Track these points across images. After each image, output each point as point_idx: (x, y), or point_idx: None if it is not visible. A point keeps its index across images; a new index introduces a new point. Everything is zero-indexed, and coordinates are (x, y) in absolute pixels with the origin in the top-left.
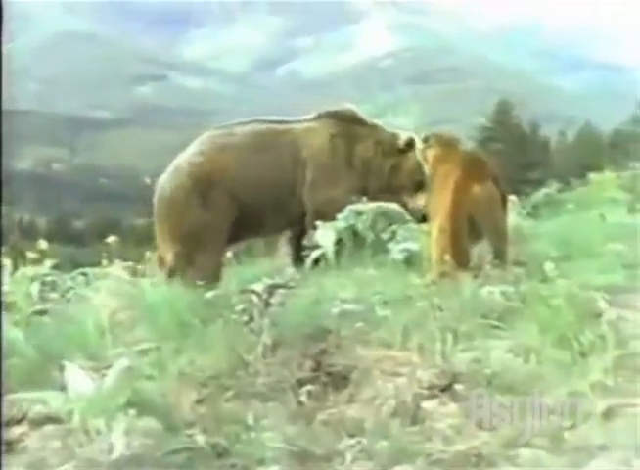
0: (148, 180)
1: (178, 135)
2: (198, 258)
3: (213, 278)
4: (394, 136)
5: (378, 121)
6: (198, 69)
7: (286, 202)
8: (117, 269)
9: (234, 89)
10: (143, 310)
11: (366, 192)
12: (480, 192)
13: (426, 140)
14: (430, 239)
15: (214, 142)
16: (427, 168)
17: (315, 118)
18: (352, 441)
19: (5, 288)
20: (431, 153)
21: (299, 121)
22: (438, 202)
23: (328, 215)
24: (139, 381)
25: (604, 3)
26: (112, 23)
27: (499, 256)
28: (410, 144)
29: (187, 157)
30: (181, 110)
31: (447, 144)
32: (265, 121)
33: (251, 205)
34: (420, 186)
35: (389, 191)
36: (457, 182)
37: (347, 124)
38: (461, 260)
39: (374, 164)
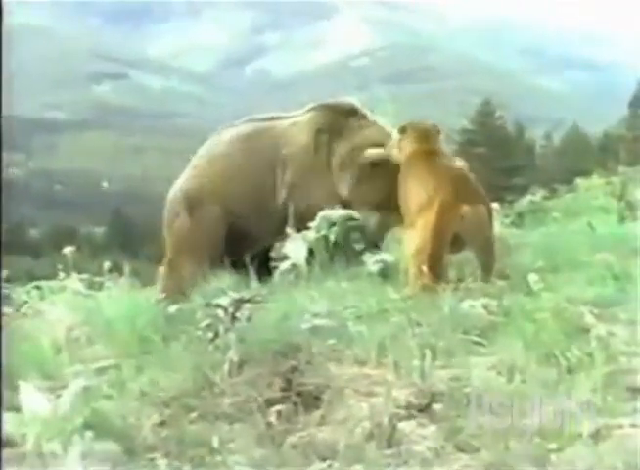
0: (105, 185)
1: (138, 138)
2: (178, 270)
3: (179, 291)
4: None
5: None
6: (160, 67)
7: (270, 208)
8: (74, 282)
9: (199, 89)
10: (101, 326)
11: (351, 199)
12: (469, 212)
13: (403, 131)
14: (403, 248)
15: (204, 154)
16: (400, 160)
17: (307, 112)
18: (324, 465)
19: None
20: (408, 147)
21: (289, 116)
22: (418, 215)
23: (308, 223)
24: (97, 401)
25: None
26: (68, 18)
27: (486, 270)
28: None
29: (186, 169)
30: (142, 111)
31: (426, 137)
32: (257, 120)
33: (242, 216)
34: None
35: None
36: (443, 204)
37: (341, 118)
38: (440, 274)
39: (360, 167)
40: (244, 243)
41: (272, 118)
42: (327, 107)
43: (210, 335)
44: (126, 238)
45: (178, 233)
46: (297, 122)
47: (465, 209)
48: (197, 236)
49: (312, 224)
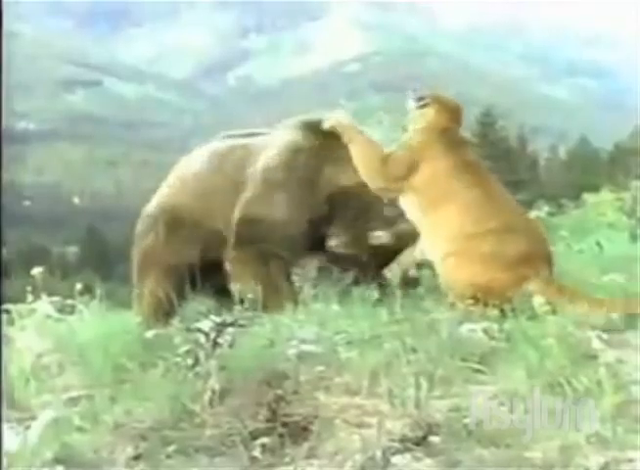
0: (77, 200)
1: (112, 150)
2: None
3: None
4: None
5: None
6: (135, 73)
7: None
8: (44, 305)
9: (177, 97)
10: (73, 353)
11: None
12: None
13: (421, 99)
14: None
15: (179, 171)
16: (418, 134)
17: (286, 128)
18: None
19: None
20: (432, 116)
21: (266, 133)
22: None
23: (244, 238)
24: (68, 434)
25: (601, 2)
26: (38, 20)
27: None
28: None
29: (162, 186)
30: (116, 120)
31: (454, 111)
32: (235, 136)
33: (211, 237)
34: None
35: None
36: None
37: (321, 139)
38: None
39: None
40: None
41: (249, 135)
42: (311, 125)
43: (190, 362)
44: (99, 257)
45: (146, 251)
46: (272, 140)
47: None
48: (166, 255)
49: None
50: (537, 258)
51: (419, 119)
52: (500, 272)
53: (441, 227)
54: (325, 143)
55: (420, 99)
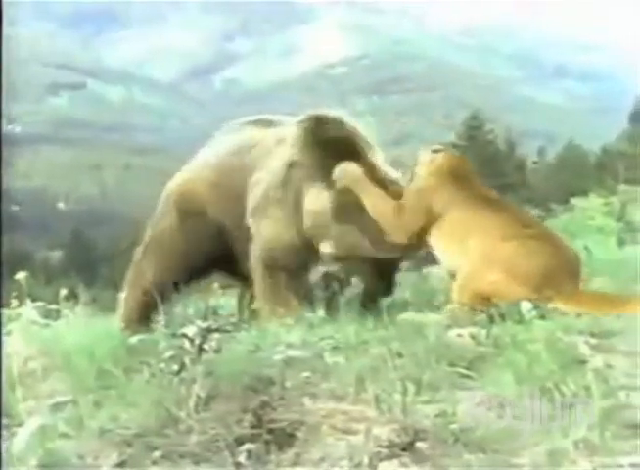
0: (61, 205)
1: (97, 154)
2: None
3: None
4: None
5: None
6: (121, 76)
7: (240, 235)
8: (29, 310)
9: (162, 101)
10: (58, 358)
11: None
12: None
13: (437, 151)
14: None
15: (201, 156)
16: (428, 178)
17: (298, 125)
18: None
19: None
20: (441, 160)
21: (285, 126)
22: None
23: (268, 262)
24: (53, 440)
25: (590, 4)
26: (21, 22)
27: None
28: None
29: (186, 166)
30: (101, 124)
31: (461, 157)
32: (259, 124)
33: (223, 236)
34: None
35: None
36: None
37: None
38: None
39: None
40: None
41: (270, 124)
42: (318, 131)
43: (175, 367)
44: (84, 262)
45: (159, 233)
46: (281, 140)
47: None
48: (180, 242)
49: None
50: (561, 275)
51: (428, 165)
52: (523, 288)
53: (469, 256)
54: (324, 159)
55: (436, 151)
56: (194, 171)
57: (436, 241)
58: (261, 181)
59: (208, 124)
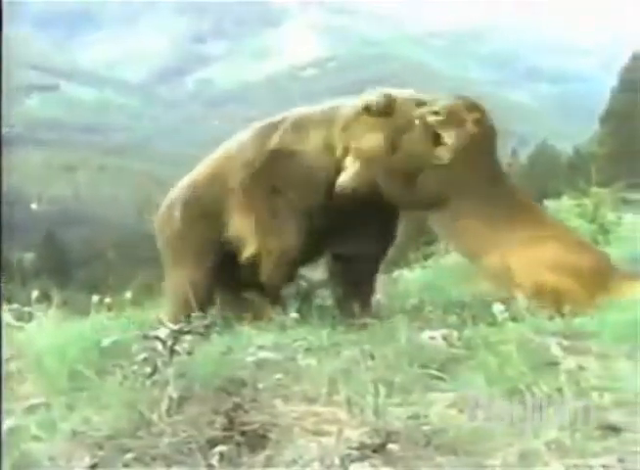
0: (35, 206)
1: (70, 155)
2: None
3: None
4: None
5: None
6: (94, 78)
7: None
8: (3, 312)
9: (135, 101)
10: (31, 361)
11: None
12: None
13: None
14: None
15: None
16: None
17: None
18: None
19: None
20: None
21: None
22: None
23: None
24: (26, 442)
25: (561, 7)
26: None
27: None
28: None
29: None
30: (74, 125)
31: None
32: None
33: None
34: None
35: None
36: None
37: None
38: None
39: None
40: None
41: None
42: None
43: (148, 370)
44: (57, 264)
45: (171, 236)
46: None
47: None
48: (187, 240)
49: None
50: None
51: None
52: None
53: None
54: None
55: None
56: (210, 164)
57: (457, 226)
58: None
59: (181, 125)
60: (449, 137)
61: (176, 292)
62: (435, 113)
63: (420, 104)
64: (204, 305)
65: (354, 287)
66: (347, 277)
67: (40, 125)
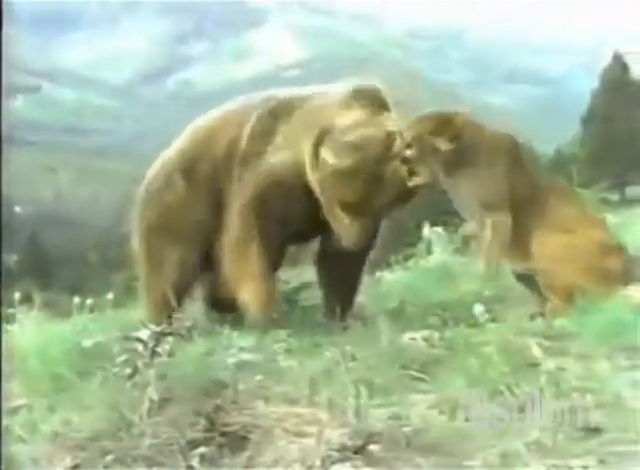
0: (18, 209)
1: (52, 156)
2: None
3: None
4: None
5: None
6: (76, 79)
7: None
8: None
9: (117, 103)
10: (13, 362)
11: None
12: None
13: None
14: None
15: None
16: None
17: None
18: None
19: None
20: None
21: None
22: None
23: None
24: (8, 444)
25: (540, 8)
26: None
27: None
28: None
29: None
30: (56, 126)
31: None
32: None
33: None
34: None
35: None
36: None
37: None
38: None
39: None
40: None
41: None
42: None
43: (129, 371)
44: (39, 266)
45: (169, 207)
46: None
47: None
48: (193, 210)
49: None
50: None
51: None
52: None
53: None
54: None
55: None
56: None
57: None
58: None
59: (162, 126)
60: (422, 166)
61: (155, 292)
62: (408, 146)
63: (390, 134)
64: (182, 303)
65: (338, 288)
66: (331, 278)
67: (22, 127)
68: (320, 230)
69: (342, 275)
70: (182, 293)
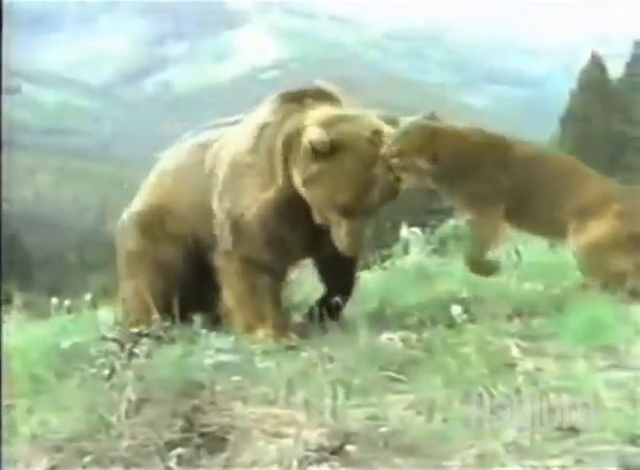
0: (5, 206)
1: (31, 157)
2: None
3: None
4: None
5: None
6: (54, 80)
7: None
8: None
9: (96, 104)
10: None
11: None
12: None
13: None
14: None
15: (158, 169)
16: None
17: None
18: None
19: None
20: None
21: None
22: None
23: (225, 241)
24: None
25: (521, 10)
26: None
27: None
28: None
29: (141, 188)
30: (36, 128)
31: None
32: (220, 124)
33: (195, 238)
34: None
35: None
36: None
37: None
38: None
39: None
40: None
41: (234, 122)
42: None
43: (106, 372)
44: (19, 267)
45: (132, 251)
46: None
47: None
48: (148, 259)
49: None
50: None
51: None
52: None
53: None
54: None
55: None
56: (155, 184)
57: None
58: (225, 157)
59: (141, 127)
60: (407, 177)
61: (134, 295)
62: (394, 156)
63: (373, 138)
64: (162, 309)
65: (331, 287)
66: (325, 278)
67: (2, 129)
68: (317, 247)
69: (335, 274)
70: (165, 298)
